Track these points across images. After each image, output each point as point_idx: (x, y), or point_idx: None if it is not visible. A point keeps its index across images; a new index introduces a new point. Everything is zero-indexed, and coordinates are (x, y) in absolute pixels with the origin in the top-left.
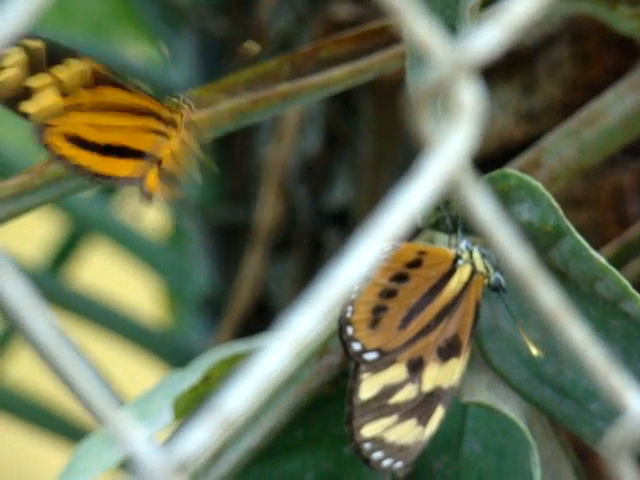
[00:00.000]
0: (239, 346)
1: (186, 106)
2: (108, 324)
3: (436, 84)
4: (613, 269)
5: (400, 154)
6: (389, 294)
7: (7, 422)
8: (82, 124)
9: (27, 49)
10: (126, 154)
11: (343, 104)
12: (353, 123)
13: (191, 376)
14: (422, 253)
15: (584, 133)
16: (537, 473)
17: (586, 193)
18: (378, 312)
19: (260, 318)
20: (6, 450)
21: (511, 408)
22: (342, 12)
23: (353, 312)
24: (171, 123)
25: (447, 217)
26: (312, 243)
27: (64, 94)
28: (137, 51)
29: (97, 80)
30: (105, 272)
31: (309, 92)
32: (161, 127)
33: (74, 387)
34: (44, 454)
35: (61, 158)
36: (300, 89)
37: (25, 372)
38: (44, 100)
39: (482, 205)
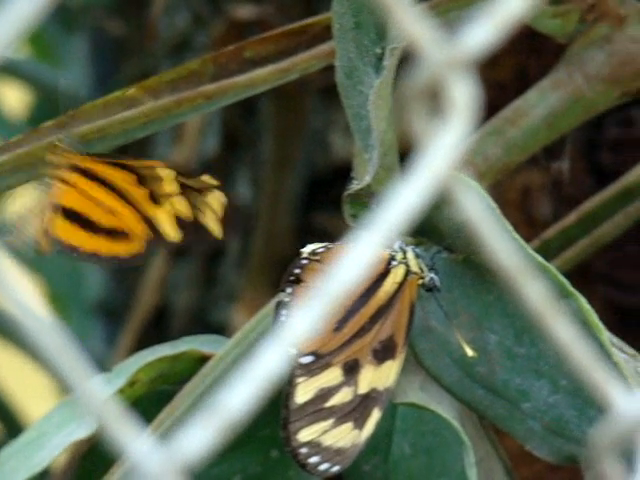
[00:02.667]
0: (163, 350)
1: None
2: None
3: (429, 82)
4: (552, 267)
5: (301, 154)
6: None
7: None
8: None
9: None
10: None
11: (242, 104)
12: (253, 124)
13: (117, 380)
14: None
15: (508, 132)
16: (472, 473)
17: (495, 192)
18: None
19: (158, 324)
20: None
21: (444, 408)
22: (243, 12)
23: (287, 316)
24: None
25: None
26: (211, 245)
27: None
28: (26, 51)
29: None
30: None
31: (234, 92)
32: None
33: (69, 385)
34: None
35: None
36: (224, 89)
37: None
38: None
39: (471, 203)
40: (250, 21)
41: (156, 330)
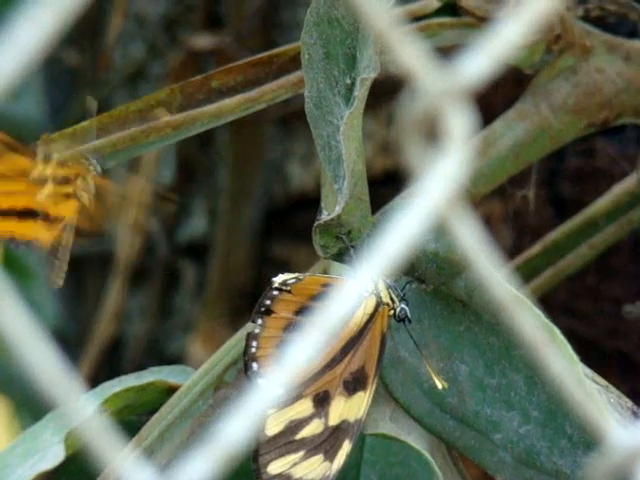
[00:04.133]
0: (128, 380)
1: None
2: None
3: (425, 112)
4: (525, 299)
5: (258, 184)
6: (293, 328)
7: None
8: None
9: None
10: (31, 216)
11: (198, 134)
12: (209, 153)
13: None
14: (326, 285)
15: (475, 162)
16: None
17: None
18: (283, 346)
19: (112, 354)
20: None
21: (414, 439)
22: (201, 42)
23: (258, 347)
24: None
25: (349, 247)
26: (166, 275)
27: None
28: None
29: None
30: None
31: (201, 122)
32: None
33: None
34: None
35: None
36: (192, 119)
37: None
38: None
39: (465, 234)
40: (207, 51)
41: (110, 360)
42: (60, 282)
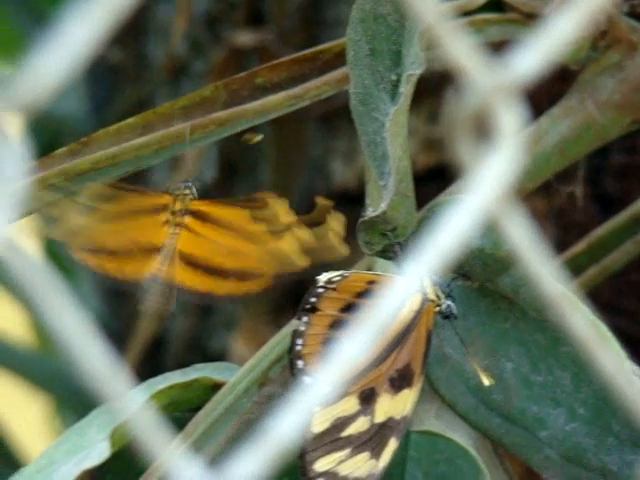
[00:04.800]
0: (174, 377)
1: (186, 191)
2: None
3: (475, 108)
4: (573, 296)
5: (300, 181)
6: (339, 325)
7: None
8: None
9: None
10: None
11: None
12: (251, 151)
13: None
14: (371, 282)
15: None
16: None
17: None
18: (328, 344)
19: (155, 352)
20: None
21: (460, 436)
22: (243, 39)
23: (303, 345)
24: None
25: (395, 244)
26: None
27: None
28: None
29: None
30: None
31: (245, 119)
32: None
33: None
34: None
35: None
36: (236, 116)
37: None
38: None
39: (515, 231)
40: (250, 48)
41: (153, 357)
42: (171, 308)
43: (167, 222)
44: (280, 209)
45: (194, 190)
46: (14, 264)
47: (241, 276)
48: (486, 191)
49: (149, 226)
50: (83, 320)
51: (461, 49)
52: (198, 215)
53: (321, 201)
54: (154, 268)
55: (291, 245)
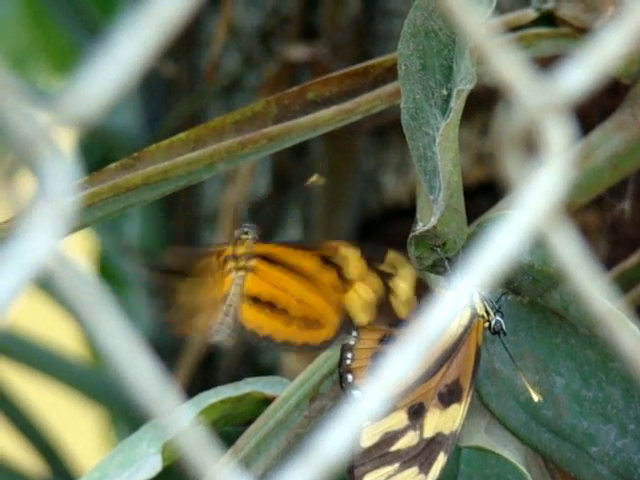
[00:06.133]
0: (225, 391)
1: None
2: (36, 363)
3: (524, 125)
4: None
5: (353, 194)
6: (389, 339)
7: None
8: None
9: None
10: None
11: (293, 145)
12: (303, 164)
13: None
14: None
15: (572, 174)
16: None
17: None
18: (378, 358)
19: (207, 366)
20: None
21: (510, 452)
22: (296, 53)
23: (353, 359)
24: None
25: (444, 259)
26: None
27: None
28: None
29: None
30: (28, 309)
31: (297, 133)
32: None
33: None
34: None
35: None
36: (287, 130)
37: None
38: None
39: (564, 248)
40: (302, 62)
41: (204, 371)
42: (224, 338)
43: (231, 269)
44: (351, 258)
45: (254, 233)
46: (63, 278)
47: (305, 323)
48: (534, 207)
49: (221, 279)
50: (131, 335)
51: (509, 65)
52: (265, 257)
53: (393, 256)
54: (221, 313)
55: (357, 299)
